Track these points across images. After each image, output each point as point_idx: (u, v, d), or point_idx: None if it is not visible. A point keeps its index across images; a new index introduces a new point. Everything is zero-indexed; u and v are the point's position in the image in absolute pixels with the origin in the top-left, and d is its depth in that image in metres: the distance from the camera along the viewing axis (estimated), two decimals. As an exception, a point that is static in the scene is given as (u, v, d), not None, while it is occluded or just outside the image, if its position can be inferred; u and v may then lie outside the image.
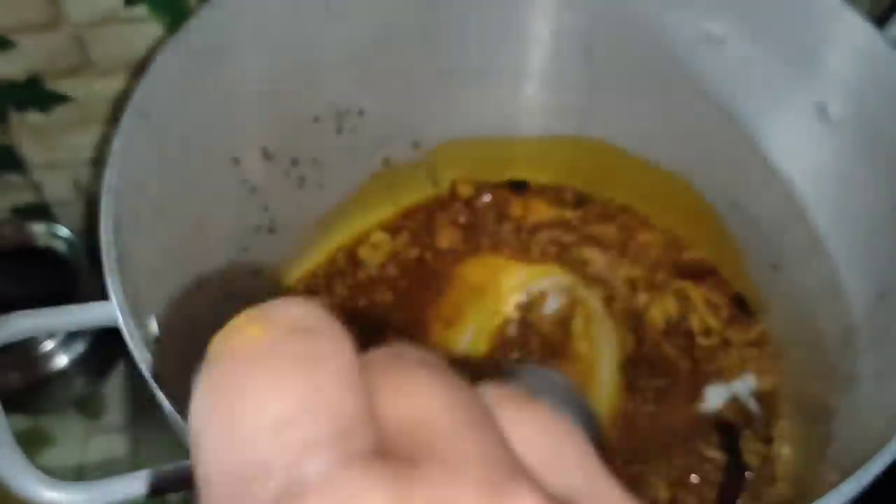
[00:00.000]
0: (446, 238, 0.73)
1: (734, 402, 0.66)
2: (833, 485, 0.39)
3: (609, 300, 0.70)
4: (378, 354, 0.14)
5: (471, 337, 0.69)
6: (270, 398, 0.12)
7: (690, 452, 0.64)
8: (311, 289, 0.70)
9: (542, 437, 0.14)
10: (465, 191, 0.75)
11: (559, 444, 0.14)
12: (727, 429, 0.65)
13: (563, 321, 0.70)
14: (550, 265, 0.72)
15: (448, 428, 0.13)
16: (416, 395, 0.13)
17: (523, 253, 0.73)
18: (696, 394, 0.66)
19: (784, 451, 0.64)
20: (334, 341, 0.13)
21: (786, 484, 0.63)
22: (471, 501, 0.12)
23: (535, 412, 0.14)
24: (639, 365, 0.67)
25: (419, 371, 0.14)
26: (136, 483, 0.41)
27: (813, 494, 0.45)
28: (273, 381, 0.13)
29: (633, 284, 0.71)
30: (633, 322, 0.69)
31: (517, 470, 0.13)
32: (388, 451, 0.12)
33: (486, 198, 0.74)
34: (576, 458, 0.14)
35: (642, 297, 0.70)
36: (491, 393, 0.14)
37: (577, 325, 0.69)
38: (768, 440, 0.64)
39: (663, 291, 0.70)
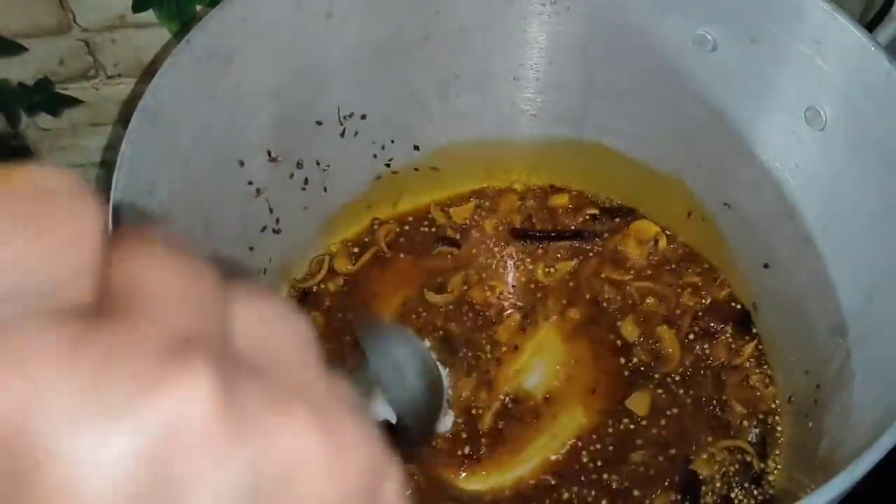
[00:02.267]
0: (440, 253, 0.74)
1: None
2: (825, 479, 0.40)
3: (597, 303, 0.71)
4: (132, 232, 0.15)
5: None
6: None
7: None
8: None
9: (262, 323, 0.16)
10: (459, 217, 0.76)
11: (274, 331, 0.16)
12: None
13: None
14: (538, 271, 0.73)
15: (156, 294, 0.14)
16: (144, 267, 0.14)
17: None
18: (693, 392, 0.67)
19: (778, 445, 0.65)
20: (73, 209, 0.14)
21: (781, 476, 0.63)
22: (143, 358, 0.13)
23: (266, 305, 0.16)
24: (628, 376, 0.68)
25: (159, 249, 0.15)
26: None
27: (806, 488, 0.46)
28: None
29: (620, 288, 0.72)
30: (619, 323, 0.70)
31: (202, 339, 0.14)
32: (98, 307, 0.14)
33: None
34: (284, 342, 0.16)
35: (628, 299, 0.71)
36: (236, 286, 0.16)
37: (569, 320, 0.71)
38: (763, 433, 0.65)
39: (651, 293, 0.71)
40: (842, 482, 0.40)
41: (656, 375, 0.67)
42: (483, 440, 0.65)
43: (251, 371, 0.14)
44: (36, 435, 0.12)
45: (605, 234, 0.74)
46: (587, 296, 0.71)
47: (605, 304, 0.71)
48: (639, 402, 0.66)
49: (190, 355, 0.13)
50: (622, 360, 0.68)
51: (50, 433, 0.12)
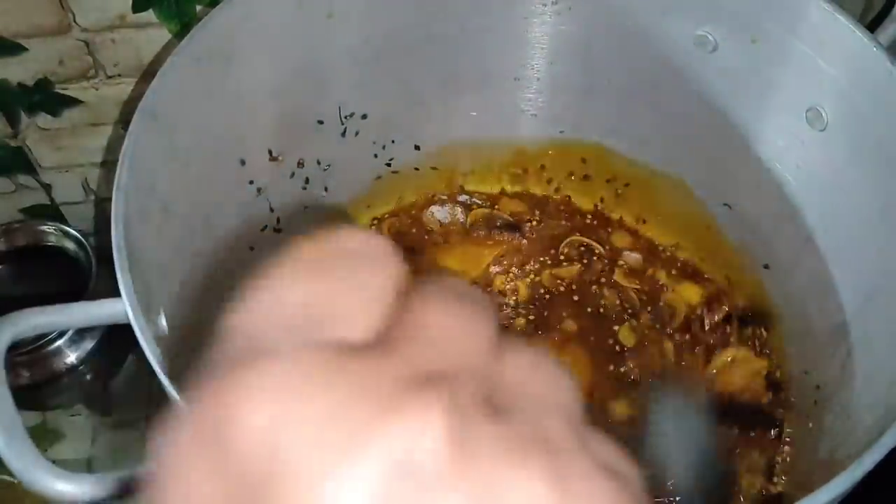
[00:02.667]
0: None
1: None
2: (825, 479, 0.40)
3: (597, 308, 0.71)
4: (432, 280, 0.17)
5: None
6: (297, 288, 0.16)
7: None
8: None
9: (528, 372, 0.17)
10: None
11: (536, 381, 0.17)
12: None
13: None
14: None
15: (422, 338, 0.16)
16: (436, 313, 0.16)
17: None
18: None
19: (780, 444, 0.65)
20: (377, 261, 0.17)
21: (781, 475, 0.63)
22: (385, 392, 0.14)
23: (536, 357, 0.17)
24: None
25: (449, 297, 0.17)
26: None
27: (807, 487, 0.45)
28: (299, 281, 0.16)
29: (621, 291, 0.72)
30: (617, 328, 0.70)
31: (446, 380, 0.15)
32: (391, 338, 0.16)
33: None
34: (543, 393, 0.17)
35: (627, 303, 0.71)
36: (508, 340, 0.17)
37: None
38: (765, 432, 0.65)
39: (650, 296, 0.71)
40: (842, 482, 0.40)
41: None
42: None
43: (498, 416, 0.15)
44: (284, 452, 0.14)
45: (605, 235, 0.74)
46: (588, 300, 0.71)
47: (602, 310, 0.71)
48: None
49: (428, 393, 0.14)
50: (620, 366, 0.68)
51: (295, 451, 0.14)
